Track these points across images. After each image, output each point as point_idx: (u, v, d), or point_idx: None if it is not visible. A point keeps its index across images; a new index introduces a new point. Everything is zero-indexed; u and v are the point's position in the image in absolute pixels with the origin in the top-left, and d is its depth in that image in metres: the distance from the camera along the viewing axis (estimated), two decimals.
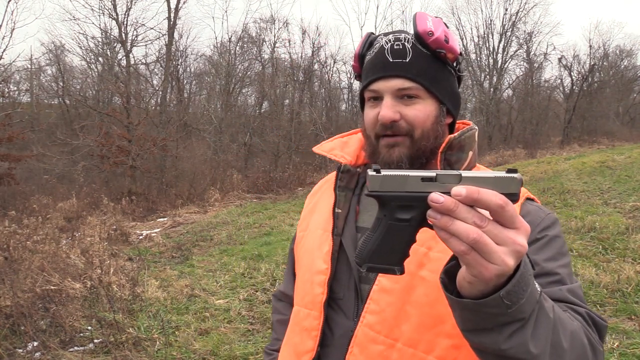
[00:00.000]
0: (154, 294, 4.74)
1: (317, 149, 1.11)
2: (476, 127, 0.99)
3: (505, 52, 24.40)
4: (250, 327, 4.11)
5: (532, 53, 24.65)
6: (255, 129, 17.73)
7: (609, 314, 3.89)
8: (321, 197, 1.10)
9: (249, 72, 20.59)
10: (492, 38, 24.66)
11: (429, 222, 0.59)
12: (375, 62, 0.94)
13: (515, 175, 0.58)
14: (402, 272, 0.64)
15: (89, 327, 3.92)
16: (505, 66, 24.55)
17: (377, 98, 0.95)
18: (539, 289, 0.63)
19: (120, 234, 7.61)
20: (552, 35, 44.42)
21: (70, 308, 4.14)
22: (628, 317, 3.80)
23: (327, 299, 0.95)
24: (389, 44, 0.93)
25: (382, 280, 0.89)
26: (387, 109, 0.91)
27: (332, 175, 1.09)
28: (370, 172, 0.61)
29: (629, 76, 27.26)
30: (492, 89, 23.70)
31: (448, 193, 0.56)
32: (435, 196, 0.56)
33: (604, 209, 7.00)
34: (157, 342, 3.77)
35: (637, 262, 4.78)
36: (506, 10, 24.25)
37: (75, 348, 3.65)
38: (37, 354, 3.50)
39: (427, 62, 0.92)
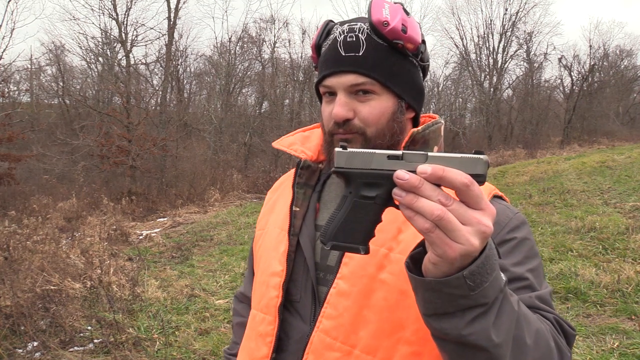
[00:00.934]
0: (154, 294, 4.74)
1: (276, 144, 1.05)
2: (442, 121, 0.95)
3: (505, 52, 24.40)
4: None
5: (532, 53, 24.66)
6: (255, 129, 17.72)
7: (609, 314, 3.89)
8: (281, 194, 1.05)
9: (249, 72, 20.60)
10: (492, 38, 24.66)
11: (394, 201, 0.59)
12: (327, 56, 0.90)
13: (481, 156, 0.58)
14: (367, 251, 0.64)
15: (89, 327, 3.92)
16: (505, 66, 24.55)
17: (332, 93, 0.90)
18: (504, 279, 0.62)
19: (120, 234, 7.61)
20: (552, 35, 44.60)
21: (70, 308, 4.14)
22: (628, 317, 3.80)
23: (283, 302, 0.90)
24: (342, 36, 0.88)
25: (340, 283, 0.84)
26: (340, 107, 0.87)
27: (292, 172, 1.05)
28: (337, 149, 0.61)
29: (629, 76, 27.25)
30: (492, 89, 23.69)
31: (414, 172, 0.57)
32: (401, 173, 0.56)
33: (604, 209, 7.00)
34: (157, 342, 3.77)
35: (637, 262, 4.78)
36: (506, 10, 24.25)
37: (75, 348, 3.65)
38: (37, 354, 3.50)
39: (382, 54, 0.86)
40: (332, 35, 0.91)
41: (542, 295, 0.81)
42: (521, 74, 25.24)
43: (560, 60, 23.98)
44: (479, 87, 24.17)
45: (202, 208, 10.54)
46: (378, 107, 0.88)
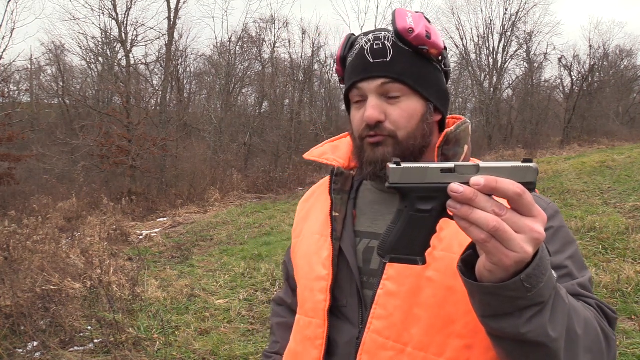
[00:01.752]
0: (154, 294, 4.74)
1: (307, 155, 1.08)
2: (469, 121, 0.98)
3: (505, 52, 24.39)
4: (250, 327, 4.11)
5: (532, 53, 24.63)
6: (255, 129, 17.73)
7: None
8: (315, 202, 1.07)
9: (249, 72, 20.60)
10: (492, 38, 24.65)
11: (448, 212, 0.61)
12: (356, 64, 0.92)
13: (531, 164, 0.60)
14: (424, 262, 0.66)
15: (89, 327, 3.92)
16: (505, 66, 24.54)
17: (362, 100, 0.93)
18: (555, 275, 0.64)
19: (120, 234, 7.61)
20: (552, 35, 44.58)
21: (70, 308, 4.14)
22: (628, 317, 3.80)
23: (330, 306, 0.91)
24: (369, 44, 0.91)
25: (387, 284, 0.86)
26: (372, 110, 0.89)
27: (326, 180, 1.07)
28: (391, 165, 0.62)
29: (629, 76, 27.23)
30: (492, 89, 23.69)
31: (467, 184, 0.58)
32: (455, 186, 0.58)
33: (604, 209, 7.00)
34: (157, 342, 3.77)
35: (637, 262, 4.77)
36: (506, 10, 24.24)
37: (75, 348, 3.65)
38: (37, 354, 3.50)
39: (409, 59, 0.90)
40: (357, 46, 0.93)
41: (583, 282, 0.84)
42: (521, 74, 25.26)
43: (560, 60, 23.99)
44: (479, 87, 24.16)
45: (202, 208, 10.55)
46: (408, 109, 0.90)
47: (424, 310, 0.84)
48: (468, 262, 0.66)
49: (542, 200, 0.91)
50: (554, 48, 36.66)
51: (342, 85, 1.01)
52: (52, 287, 4.35)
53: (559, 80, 25.65)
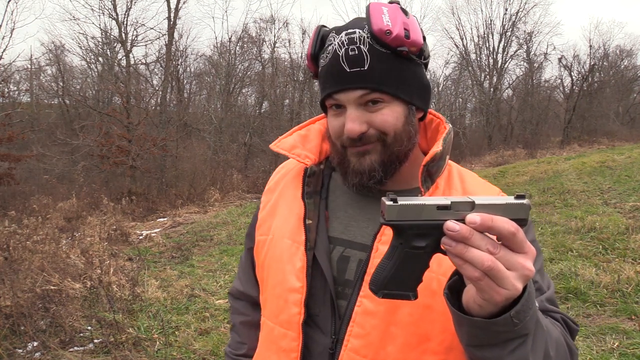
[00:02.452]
0: (154, 294, 4.74)
1: (275, 146, 1.00)
2: (451, 125, 0.94)
3: (505, 52, 24.40)
4: None
5: (532, 53, 24.64)
6: (255, 129, 17.72)
7: (609, 314, 3.89)
8: (281, 197, 1.01)
9: (249, 72, 20.60)
10: (492, 38, 24.66)
11: (443, 248, 0.61)
12: (331, 71, 0.86)
13: (524, 201, 0.61)
14: (416, 297, 0.66)
15: (89, 327, 3.92)
16: (505, 66, 24.55)
17: (340, 106, 0.87)
18: (537, 305, 0.66)
19: (120, 234, 7.61)
20: (552, 35, 44.61)
21: (70, 308, 4.14)
22: (628, 317, 3.80)
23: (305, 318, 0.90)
24: (343, 49, 0.83)
25: (365, 302, 0.84)
26: (353, 123, 0.84)
27: (292, 169, 1.02)
28: (388, 202, 0.62)
29: (629, 76, 27.23)
30: (492, 89, 23.69)
31: (461, 220, 0.59)
32: (452, 224, 0.58)
33: (604, 209, 7.00)
34: (157, 342, 3.77)
35: (637, 262, 4.77)
36: (506, 10, 24.25)
37: (75, 348, 3.65)
38: (37, 354, 3.50)
39: (388, 63, 0.83)
40: (330, 47, 0.87)
41: (550, 297, 0.86)
42: (521, 74, 25.26)
43: (560, 60, 23.99)
44: (479, 87, 24.16)
45: (202, 208, 10.54)
46: (390, 114, 0.86)
47: (401, 328, 0.83)
48: (453, 288, 0.66)
49: None
50: (554, 48, 36.73)
51: (315, 81, 0.97)
52: (52, 287, 4.35)
53: (559, 80, 25.70)
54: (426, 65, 0.91)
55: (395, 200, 0.62)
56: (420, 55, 0.87)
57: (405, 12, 0.84)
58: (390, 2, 0.86)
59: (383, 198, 0.63)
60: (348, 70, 0.83)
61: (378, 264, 0.66)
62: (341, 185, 0.97)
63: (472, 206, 0.60)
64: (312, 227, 0.92)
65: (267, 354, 0.97)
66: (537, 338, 0.66)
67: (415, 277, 0.65)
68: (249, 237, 1.10)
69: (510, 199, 0.61)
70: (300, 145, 1.00)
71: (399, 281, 0.65)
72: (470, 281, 0.60)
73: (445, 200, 0.61)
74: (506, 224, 0.57)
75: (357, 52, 0.83)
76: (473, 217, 0.57)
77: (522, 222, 0.60)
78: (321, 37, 0.90)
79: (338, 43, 0.85)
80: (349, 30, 0.85)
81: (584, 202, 7.64)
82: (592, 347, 3.40)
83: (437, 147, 0.87)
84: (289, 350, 0.91)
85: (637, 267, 4.62)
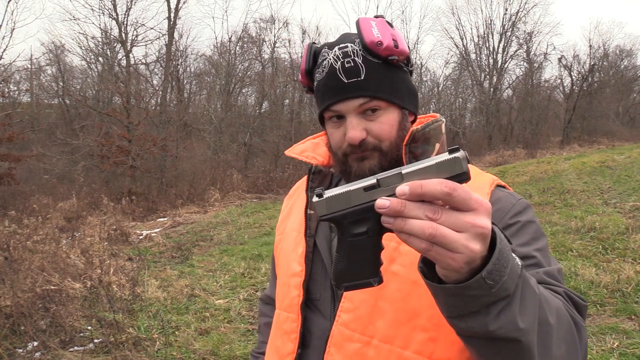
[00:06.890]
0: (154, 294, 4.74)
1: (289, 152, 1.10)
2: (443, 119, 0.98)
3: (505, 52, 24.40)
4: (250, 327, 4.11)
5: (532, 53, 24.65)
6: (255, 129, 17.73)
7: (608, 314, 3.89)
8: (297, 199, 1.11)
9: (249, 72, 20.62)
10: (492, 38, 24.66)
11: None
12: (329, 85, 0.92)
13: (457, 154, 0.55)
14: (380, 281, 0.64)
15: (89, 327, 3.92)
16: (505, 66, 24.55)
17: (340, 117, 0.93)
18: (519, 264, 0.62)
19: (120, 234, 7.61)
20: (552, 35, 44.47)
21: (70, 308, 4.14)
22: (628, 317, 3.80)
23: (304, 300, 0.95)
24: (339, 62, 0.90)
25: None
26: (354, 131, 0.89)
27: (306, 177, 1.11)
28: (315, 199, 0.61)
29: (629, 76, 27.25)
30: (492, 89, 23.69)
31: (395, 195, 0.56)
32: (380, 202, 0.56)
33: (604, 209, 7.00)
34: (157, 342, 3.77)
35: (637, 262, 4.77)
36: (506, 10, 24.25)
37: (75, 348, 3.65)
38: (37, 354, 3.50)
39: (381, 73, 0.91)
40: (325, 61, 0.93)
41: (550, 271, 0.82)
42: (521, 74, 25.26)
43: (560, 60, 24.00)
44: (479, 87, 24.16)
45: (202, 208, 10.55)
46: (387, 121, 0.91)
47: (389, 303, 0.86)
48: (428, 261, 0.63)
49: (512, 196, 0.92)
50: (554, 48, 36.65)
51: (308, 95, 1.00)
52: (52, 287, 4.35)
53: (559, 80, 25.71)
54: (411, 72, 0.99)
55: (321, 195, 0.61)
56: (407, 63, 0.95)
57: (390, 24, 0.92)
58: (375, 17, 0.93)
59: (314, 197, 0.62)
60: (346, 81, 0.90)
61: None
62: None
63: (401, 177, 0.56)
64: (314, 217, 1.00)
65: (273, 339, 1.03)
66: (525, 300, 0.61)
67: (370, 262, 0.63)
68: (274, 246, 1.19)
69: (443, 157, 0.55)
70: (310, 150, 1.09)
71: (355, 271, 0.63)
72: (422, 254, 0.56)
73: (371, 180, 0.58)
74: (438, 185, 0.53)
75: (352, 64, 0.90)
76: (401, 187, 0.55)
77: (461, 177, 0.55)
78: (313, 53, 0.97)
79: (333, 57, 0.91)
80: (342, 45, 0.92)
81: (584, 202, 7.64)
82: (592, 347, 3.40)
83: (417, 127, 0.93)
84: (290, 331, 0.96)
85: (637, 267, 4.62)
